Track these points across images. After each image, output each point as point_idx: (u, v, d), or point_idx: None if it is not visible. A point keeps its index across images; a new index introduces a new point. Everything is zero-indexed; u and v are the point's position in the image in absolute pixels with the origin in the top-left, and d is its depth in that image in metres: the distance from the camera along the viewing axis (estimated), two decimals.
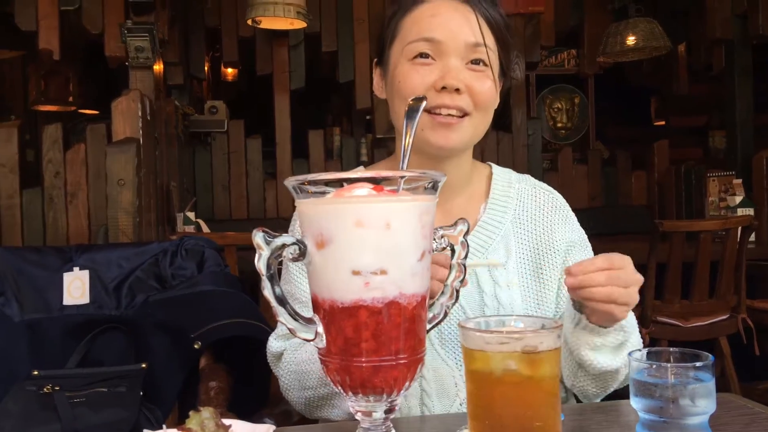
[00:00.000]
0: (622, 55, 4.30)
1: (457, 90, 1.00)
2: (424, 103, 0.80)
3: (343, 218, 0.58)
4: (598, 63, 4.64)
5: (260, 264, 0.58)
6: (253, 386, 1.37)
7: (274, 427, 0.69)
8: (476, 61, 1.02)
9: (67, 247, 1.55)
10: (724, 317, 3.16)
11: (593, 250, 1.18)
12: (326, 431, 0.93)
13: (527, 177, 1.20)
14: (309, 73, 4.65)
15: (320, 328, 0.61)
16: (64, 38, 3.77)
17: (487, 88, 1.03)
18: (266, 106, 4.65)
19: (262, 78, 4.63)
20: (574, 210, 1.20)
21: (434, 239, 0.65)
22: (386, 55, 1.08)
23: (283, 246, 0.59)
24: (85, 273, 1.46)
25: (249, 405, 1.31)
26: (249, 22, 3.89)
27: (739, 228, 3.10)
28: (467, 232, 0.66)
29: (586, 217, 1.21)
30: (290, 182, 0.60)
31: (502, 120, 4.74)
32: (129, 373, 1.32)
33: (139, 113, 2.90)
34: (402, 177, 0.61)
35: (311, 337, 0.61)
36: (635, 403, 0.72)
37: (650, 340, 3.06)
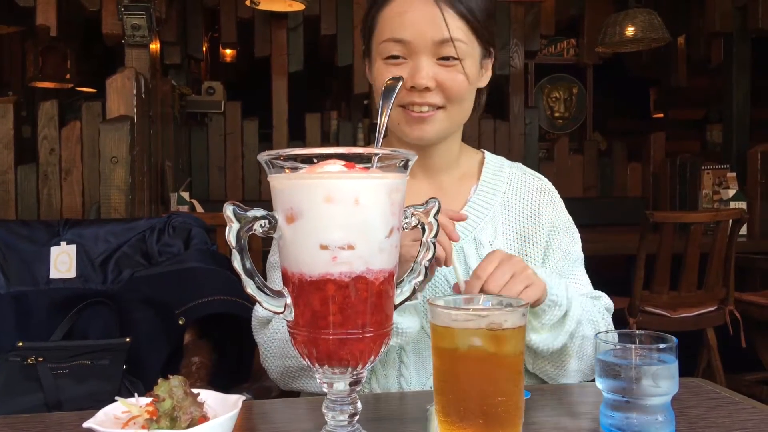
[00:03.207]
0: (620, 45, 4.29)
1: (427, 88, 1.03)
2: (401, 83, 0.81)
3: (312, 193, 0.59)
4: (597, 53, 4.64)
5: (230, 237, 0.59)
6: (236, 362, 1.38)
7: (243, 398, 0.70)
8: (446, 57, 1.04)
9: (55, 222, 1.55)
10: (712, 309, 3.18)
11: (586, 240, 1.21)
12: (294, 405, 0.94)
13: (519, 164, 1.24)
14: (308, 57, 4.64)
15: (289, 301, 0.62)
16: (61, 15, 3.74)
17: (458, 82, 1.05)
18: (264, 89, 4.64)
19: (260, 60, 4.61)
20: (568, 200, 1.24)
21: (405, 217, 0.66)
22: (368, 47, 1.12)
23: (254, 219, 0.60)
24: (72, 247, 1.47)
25: (231, 381, 1.32)
26: (247, 3, 3.88)
27: (730, 221, 3.12)
28: (438, 211, 0.67)
29: (580, 208, 1.24)
30: (263, 157, 0.61)
31: (499, 108, 4.74)
32: (113, 347, 1.33)
33: (134, 91, 2.89)
34: (375, 155, 0.62)
35: (280, 309, 0.62)
36: (600, 383, 0.73)
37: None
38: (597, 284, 1.20)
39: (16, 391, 1.25)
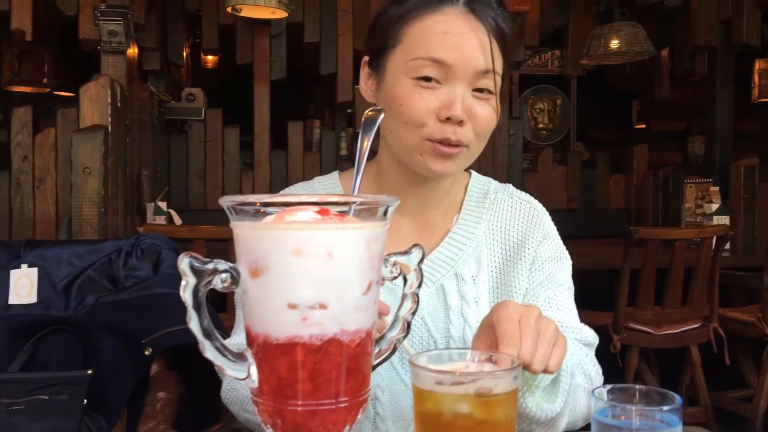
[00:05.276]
0: (605, 58, 4.27)
1: (461, 122, 0.92)
2: (382, 116, 0.74)
3: (279, 245, 0.52)
4: (582, 65, 4.62)
5: (186, 294, 0.52)
6: (206, 397, 1.31)
7: None
8: (481, 89, 0.94)
9: (15, 243, 1.47)
10: (696, 326, 3.15)
11: (570, 253, 1.11)
12: None
13: (507, 186, 1.12)
14: (291, 64, 4.57)
15: (253, 367, 0.55)
16: (38, 19, 3.64)
17: (488, 116, 0.95)
18: (246, 96, 4.57)
19: (242, 67, 4.54)
20: (551, 211, 1.13)
21: (386, 266, 0.60)
22: (383, 60, 0.98)
23: (214, 272, 0.53)
24: (34, 270, 1.39)
25: (198, 420, 1.25)
26: (229, 9, 3.80)
27: (714, 237, 3.09)
28: (422, 260, 0.61)
29: (563, 219, 1.13)
30: (225, 202, 0.54)
31: None
32: (74, 380, 1.25)
33: (109, 100, 2.81)
34: (352, 203, 0.56)
35: (242, 375, 0.55)
36: None
37: (621, 347, 3.05)
38: (580, 299, 1.11)
39: None
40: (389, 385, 0.98)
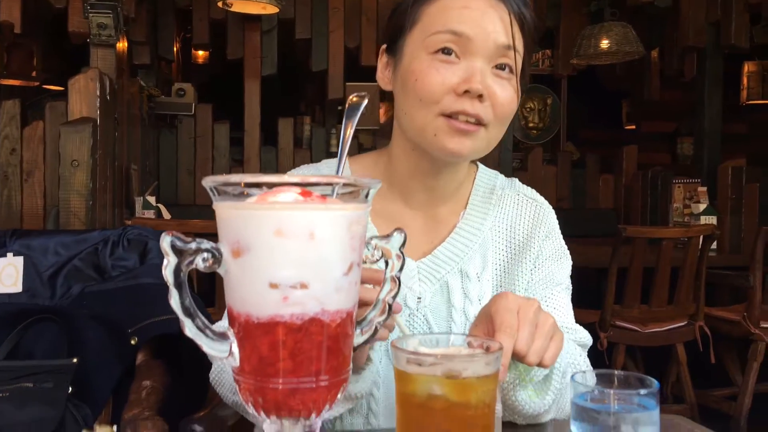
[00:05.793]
0: (595, 58, 4.30)
1: (480, 96, 0.90)
2: (366, 101, 0.74)
3: (261, 225, 0.53)
4: (572, 65, 4.64)
5: (167, 272, 0.52)
6: (191, 386, 1.31)
7: None
8: (502, 66, 0.92)
9: (0, 232, 1.46)
10: (682, 324, 3.18)
11: None
12: None
13: (513, 181, 1.11)
14: (282, 60, 4.56)
15: (235, 345, 0.56)
16: (27, 11, 3.62)
17: (509, 97, 0.93)
18: (237, 92, 4.56)
19: (233, 62, 4.53)
20: None
21: (368, 249, 0.60)
22: (400, 43, 0.96)
23: (196, 252, 0.53)
24: (20, 259, 1.38)
25: (183, 408, 1.25)
26: (220, 4, 3.79)
27: (701, 236, 3.12)
28: (404, 244, 0.61)
29: None
30: (207, 182, 0.55)
31: None
32: (59, 368, 1.24)
33: (98, 92, 2.79)
34: (335, 183, 0.56)
35: (224, 354, 0.55)
36: (575, 428, 0.68)
37: (608, 344, 3.07)
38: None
39: None
40: (385, 381, 0.97)
